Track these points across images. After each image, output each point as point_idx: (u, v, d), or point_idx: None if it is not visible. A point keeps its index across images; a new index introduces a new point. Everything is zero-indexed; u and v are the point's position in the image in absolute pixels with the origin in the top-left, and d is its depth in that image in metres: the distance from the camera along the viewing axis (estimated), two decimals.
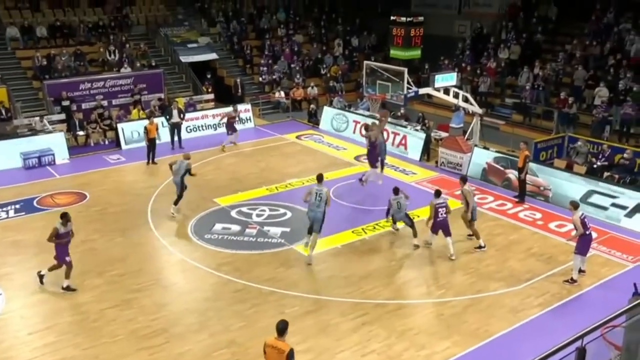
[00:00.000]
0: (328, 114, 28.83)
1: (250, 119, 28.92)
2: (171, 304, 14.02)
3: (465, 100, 23.17)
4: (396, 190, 16.73)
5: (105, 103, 27.82)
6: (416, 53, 23.92)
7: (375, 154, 20.48)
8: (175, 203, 18.61)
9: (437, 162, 23.12)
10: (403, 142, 24.94)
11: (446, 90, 22.76)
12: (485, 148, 22.35)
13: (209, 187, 20.87)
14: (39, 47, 30.48)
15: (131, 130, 26.10)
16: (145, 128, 23.57)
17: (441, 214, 15.81)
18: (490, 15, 33.84)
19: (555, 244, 16.67)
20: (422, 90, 22.95)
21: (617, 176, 20.13)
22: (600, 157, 21.42)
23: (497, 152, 21.95)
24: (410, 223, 16.67)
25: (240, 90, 31.45)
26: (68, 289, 14.32)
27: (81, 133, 26.31)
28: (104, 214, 18.88)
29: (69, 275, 14.37)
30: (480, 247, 16.36)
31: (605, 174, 20.41)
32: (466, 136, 23.10)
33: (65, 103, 26.98)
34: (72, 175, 22.70)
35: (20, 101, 27.70)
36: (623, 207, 18.20)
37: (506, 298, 14.00)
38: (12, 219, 18.71)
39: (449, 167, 22.43)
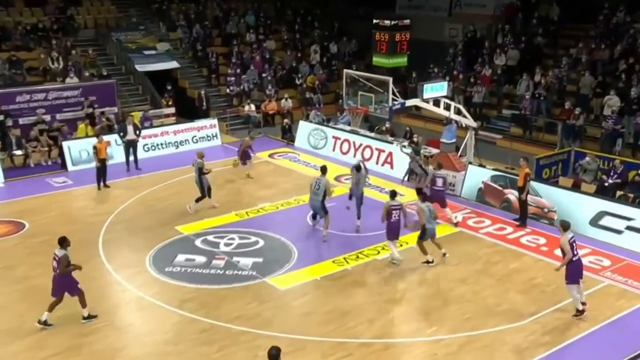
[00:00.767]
0: (304, 129, 28.92)
1: (217, 136, 29.03)
2: (127, 347, 13.91)
3: (458, 112, 23.29)
4: (358, 167, 19.03)
5: (47, 118, 27.67)
6: (402, 60, 24.06)
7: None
8: (197, 200, 20.77)
9: None
10: (389, 160, 25.04)
11: (436, 102, 22.90)
12: (481, 165, 22.49)
13: (170, 213, 20.82)
14: None
15: (79, 149, 25.96)
16: (95, 147, 23.35)
17: (394, 216, 16.97)
18: (484, 17, 34.08)
19: (562, 272, 16.73)
20: (410, 102, 23.13)
21: (631, 195, 20.09)
22: (611, 174, 21.41)
23: (494, 169, 22.05)
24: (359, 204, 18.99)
25: (205, 104, 31.49)
26: (89, 317, 14.61)
27: (18, 152, 26.05)
28: (47, 246, 18.57)
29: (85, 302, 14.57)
30: (427, 262, 17.05)
31: (618, 193, 20.44)
32: (459, 152, 23.22)
33: None
34: (8, 201, 22.52)
35: None
36: None
37: (507, 335, 13.97)
38: None
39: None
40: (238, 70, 33.99)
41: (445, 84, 24.03)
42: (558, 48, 30.90)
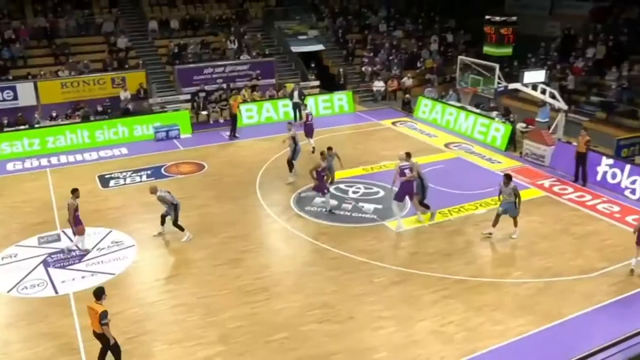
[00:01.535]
0: (421, 103, 28.34)
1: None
2: (273, 266, 14.31)
3: (552, 96, 22.28)
4: (330, 149, 18.05)
5: (224, 86, 28.44)
6: (508, 50, 23.07)
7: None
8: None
9: (521, 152, 22.37)
10: (491, 132, 24.22)
11: (534, 87, 21.97)
12: (568, 142, 21.44)
13: (311, 164, 20.86)
14: (172, 37, 31.63)
15: (245, 110, 26.66)
16: (229, 103, 23.94)
17: (406, 174, 15.82)
18: (579, 17, 32.21)
19: (631, 237, 15.76)
20: (512, 86, 22.23)
21: None
22: None
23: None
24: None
25: (343, 79, 31.47)
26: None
27: (204, 112, 27.08)
28: (219, 183, 19.42)
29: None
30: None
31: None
32: (550, 130, 22.22)
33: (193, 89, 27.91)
34: (194, 148, 23.47)
35: (155, 83, 28.87)
36: None
37: (580, 284, 13.39)
38: (144, 182, 19.56)
39: (533, 158, 21.67)
40: (371, 54, 33.65)
41: (543, 71, 22.96)
42: None
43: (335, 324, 11.88)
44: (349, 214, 17.09)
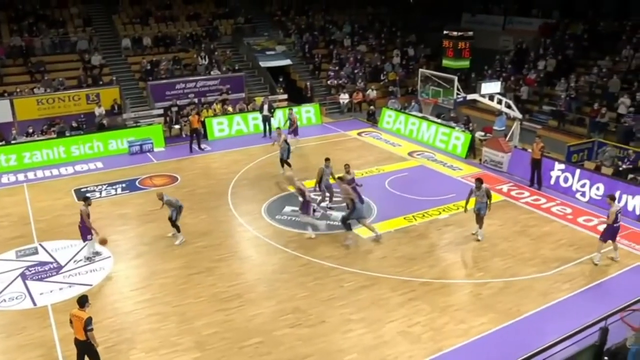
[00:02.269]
0: (385, 114, 28.51)
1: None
2: (246, 273, 14.23)
3: (508, 106, 22.65)
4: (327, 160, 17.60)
5: (196, 100, 28.30)
6: (465, 63, 23.49)
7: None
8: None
9: (480, 159, 22.67)
10: (451, 140, 24.47)
11: (490, 97, 22.30)
12: (523, 149, 21.78)
13: (280, 175, 21.00)
14: (145, 54, 31.37)
15: (216, 123, 26.59)
16: (188, 119, 24.40)
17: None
18: (530, 32, 32.88)
19: (582, 236, 16.13)
20: (470, 96, 22.55)
21: (639, 178, 19.29)
22: (625, 160, 20.58)
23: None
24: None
25: (309, 92, 31.54)
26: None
27: (176, 126, 26.87)
28: (192, 195, 19.26)
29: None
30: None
31: (630, 176, 19.61)
32: (507, 138, 22.56)
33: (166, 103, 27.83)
34: (167, 161, 23.24)
35: (128, 98, 28.58)
36: None
37: (537, 282, 13.63)
38: (119, 195, 19.35)
39: (491, 164, 21.97)
40: (336, 68, 33.76)
41: (499, 83, 23.39)
42: (589, 59, 29.38)
43: (307, 328, 11.85)
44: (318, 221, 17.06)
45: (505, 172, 21.30)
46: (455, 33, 23.06)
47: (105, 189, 19.92)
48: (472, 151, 23.55)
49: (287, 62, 33.49)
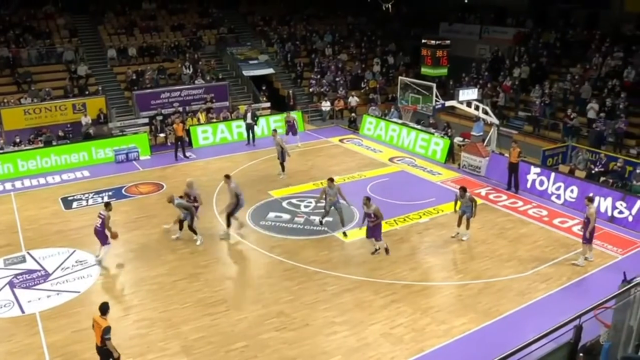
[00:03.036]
0: (366, 121, 28.60)
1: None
2: (231, 279, 14.20)
3: (485, 112, 22.83)
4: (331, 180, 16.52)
5: (181, 109, 28.17)
6: (443, 71, 23.69)
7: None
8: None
9: (459, 164, 22.81)
10: (431, 146, 24.60)
11: (468, 104, 22.47)
12: (501, 154, 21.96)
13: (264, 182, 20.99)
14: (130, 64, 31.21)
15: (201, 131, 26.50)
16: (172, 127, 24.36)
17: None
18: (505, 41, 33.25)
19: (557, 237, 16.29)
20: (448, 103, 22.71)
21: (611, 180, 19.58)
22: (597, 164, 20.84)
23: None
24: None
25: (292, 100, 31.55)
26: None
27: (161, 135, 26.73)
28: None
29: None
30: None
31: (602, 178, 19.87)
32: (485, 143, 22.74)
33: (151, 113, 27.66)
34: (153, 169, 23.09)
35: (114, 108, 28.38)
36: None
37: (515, 283, 13.74)
38: None
39: (470, 169, 22.12)
40: (318, 76, 33.81)
41: (476, 90, 23.59)
42: (560, 67, 29.77)
43: (291, 331, 11.82)
44: (301, 227, 17.05)
45: (483, 176, 21.46)
46: (433, 42, 23.24)
47: (92, 197, 19.74)
48: (451, 156, 23.70)
49: (270, 71, 33.49)
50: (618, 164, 20.11)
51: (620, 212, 17.42)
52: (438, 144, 24.09)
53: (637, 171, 19.19)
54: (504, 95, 28.70)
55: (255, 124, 26.48)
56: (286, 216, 17.75)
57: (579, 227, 14.91)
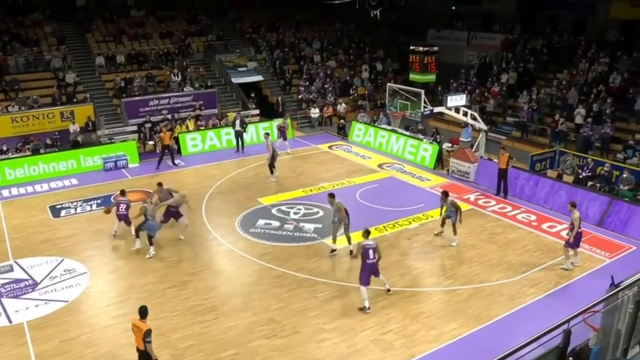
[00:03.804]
0: (355, 127, 28.66)
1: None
2: (220, 286, 14.11)
3: (473, 118, 22.95)
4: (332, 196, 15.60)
5: (169, 117, 28.11)
6: (431, 77, 23.80)
7: None
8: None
9: (448, 170, 22.90)
10: (420, 152, 24.67)
11: (456, 109, 22.58)
12: (489, 159, 22.08)
13: (253, 189, 20.96)
14: (118, 71, 31.12)
15: (190, 138, 26.42)
16: (159, 136, 24.27)
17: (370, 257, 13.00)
18: (493, 47, 33.55)
19: (546, 242, 16.38)
20: (437, 109, 22.81)
21: (599, 185, 19.73)
22: (585, 168, 21.01)
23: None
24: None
25: (281, 107, 31.57)
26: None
27: (150, 142, 26.63)
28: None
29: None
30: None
31: (589, 183, 20.03)
32: (473, 148, 22.85)
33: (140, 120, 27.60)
34: (142, 176, 22.99)
35: (102, 115, 28.27)
36: None
37: (505, 287, 13.78)
38: (94, 211, 19.05)
39: (458, 174, 22.21)
40: (307, 83, 33.89)
41: (464, 96, 23.73)
42: (547, 72, 30.04)
43: (281, 339, 11.78)
44: (290, 233, 17.02)
45: (472, 182, 21.55)
46: (421, 48, 23.37)
47: (81, 205, 19.62)
48: (440, 162, 23.78)
49: (259, 78, 33.50)
50: (605, 169, 20.29)
51: (608, 216, 17.56)
52: (427, 150, 24.17)
53: (624, 175, 19.39)
54: (492, 101, 28.89)
55: (244, 131, 26.48)
56: (275, 223, 17.73)
57: (567, 231, 14.98)
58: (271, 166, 21.75)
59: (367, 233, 13.16)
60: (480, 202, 19.62)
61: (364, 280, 12.67)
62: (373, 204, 19.24)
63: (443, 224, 16.42)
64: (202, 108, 29.12)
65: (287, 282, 14.08)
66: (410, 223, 17.70)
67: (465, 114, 22.73)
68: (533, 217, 18.26)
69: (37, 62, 30.11)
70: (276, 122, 27.53)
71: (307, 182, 21.65)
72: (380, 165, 24.00)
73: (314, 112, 31.67)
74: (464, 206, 18.94)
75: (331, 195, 15.63)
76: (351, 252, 15.15)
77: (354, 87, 34.53)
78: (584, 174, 20.71)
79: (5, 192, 21.38)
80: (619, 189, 19.22)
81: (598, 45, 28.50)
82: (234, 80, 32.48)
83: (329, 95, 32.98)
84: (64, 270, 14.83)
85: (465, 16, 36.61)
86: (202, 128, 27.62)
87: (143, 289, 13.87)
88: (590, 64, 27.63)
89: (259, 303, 13.14)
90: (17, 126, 25.40)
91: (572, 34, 30.76)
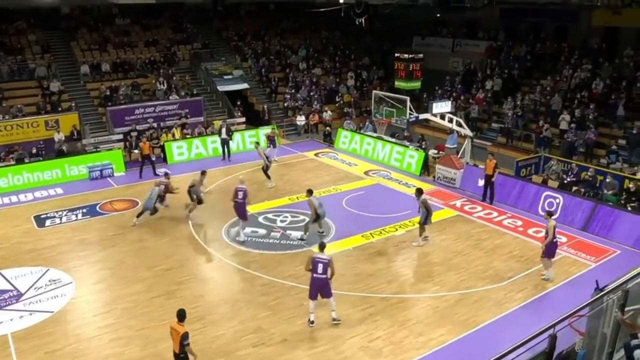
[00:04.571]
0: (341, 134, 28.72)
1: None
2: (208, 295, 14.04)
3: (459, 124, 23.07)
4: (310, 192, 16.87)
5: (155, 125, 28.00)
6: (417, 84, 23.90)
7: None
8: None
9: (434, 176, 23.00)
10: (406, 159, 24.77)
11: (442, 116, 22.70)
12: (475, 165, 22.21)
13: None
14: (104, 80, 30.97)
15: (176, 147, 26.34)
16: (139, 146, 24.14)
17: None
18: (477, 54, 33.82)
19: (532, 247, 16.48)
20: (422, 116, 22.90)
21: (583, 190, 19.91)
22: (569, 174, 21.19)
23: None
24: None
25: (267, 115, 31.56)
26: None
27: (136, 151, 26.45)
28: (153, 218, 18.91)
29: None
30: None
31: (574, 188, 20.21)
32: (459, 155, 22.97)
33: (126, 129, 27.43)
34: (127, 185, 22.85)
35: (88, 124, 28.10)
36: None
37: (492, 293, 13.85)
38: (79, 221, 18.90)
39: (444, 181, 22.32)
40: (292, 91, 33.91)
41: (449, 102, 23.85)
42: (531, 79, 30.31)
43: (269, 347, 11.74)
44: (277, 241, 17.00)
45: (458, 188, 21.66)
46: (406, 55, 23.48)
47: (66, 215, 19.45)
48: (426, 169, 23.89)
49: (245, 86, 33.46)
50: (589, 174, 20.50)
51: (593, 221, 17.72)
52: (413, 157, 24.27)
53: (607, 180, 19.58)
54: (477, 107, 29.09)
55: (231, 139, 26.44)
56: (262, 231, 17.70)
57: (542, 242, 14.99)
58: (266, 172, 22.06)
59: (321, 247, 12.74)
60: (466, 208, 19.73)
61: (310, 294, 12.35)
62: (360, 211, 19.27)
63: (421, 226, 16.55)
64: (188, 116, 29.04)
65: (275, 290, 14.04)
66: (396, 230, 17.75)
67: (450, 121, 22.85)
68: (519, 223, 18.38)
69: (21, 71, 29.86)
70: (263, 131, 27.54)
71: (294, 189, 21.65)
72: (366, 172, 24.05)
73: (300, 120, 31.68)
74: (449, 212, 19.07)
75: (309, 191, 16.77)
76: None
77: (339, 94, 34.60)
78: (568, 179, 20.90)
79: None
80: (603, 194, 19.41)
81: (581, 52, 28.84)
82: (220, 88, 32.43)
83: (315, 103, 33.01)
84: (49, 281, 14.68)
85: (449, 23, 36.88)
86: (188, 136, 27.54)
87: (130, 298, 13.77)
88: (573, 71, 27.94)
89: (246, 311, 13.10)
90: (1, 135, 25.15)
91: (555, 41, 31.11)
